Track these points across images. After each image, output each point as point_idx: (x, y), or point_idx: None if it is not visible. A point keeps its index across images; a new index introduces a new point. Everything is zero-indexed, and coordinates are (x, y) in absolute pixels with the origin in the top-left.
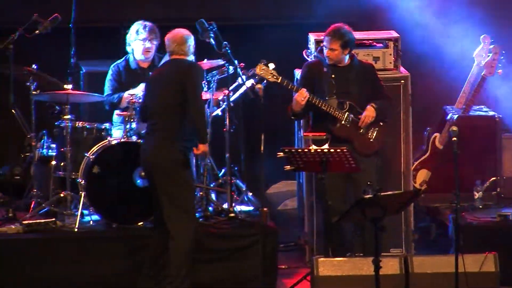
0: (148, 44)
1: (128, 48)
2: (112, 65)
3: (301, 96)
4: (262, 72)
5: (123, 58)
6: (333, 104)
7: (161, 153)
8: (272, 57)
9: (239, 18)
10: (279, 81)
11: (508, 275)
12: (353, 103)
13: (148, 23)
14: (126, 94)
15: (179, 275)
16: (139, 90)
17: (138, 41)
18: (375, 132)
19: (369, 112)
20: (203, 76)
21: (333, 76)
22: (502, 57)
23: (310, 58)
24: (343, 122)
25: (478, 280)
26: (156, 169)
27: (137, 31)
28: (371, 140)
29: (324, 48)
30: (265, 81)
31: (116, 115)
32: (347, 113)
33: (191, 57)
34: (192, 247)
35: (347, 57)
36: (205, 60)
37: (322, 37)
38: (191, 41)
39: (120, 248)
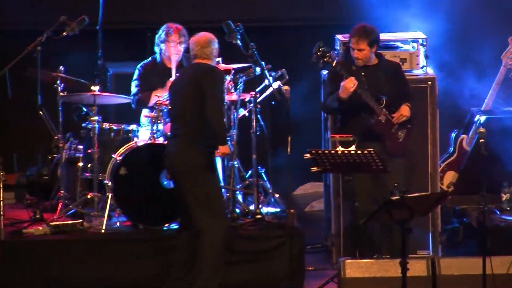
0: (176, 47)
1: (156, 49)
2: (139, 65)
3: (351, 82)
4: (319, 53)
5: (150, 58)
6: (370, 98)
7: (185, 156)
8: (298, 58)
9: (265, 19)
10: (333, 64)
11: None
12: (388, 100)
13: (177, 26)
14: (153, 95)
15: (209, 272)
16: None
17: (166, 43)
18: (404, 134)
19: (405, 111)
20: (222, 80)
21: (363, 73)
22: None
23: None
24: (379, 117)
25: (506, 282)
26: (181, 173)
27: (166, 33)
28: (400, 140)
29: (351, 50)
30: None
31: (143, 116)
32: (384, 108)
33: (215, 61)
34: (224, 246)
35: (373, 56)
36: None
37: (348, 38)
38: (215, 45)
39: (147, 249)
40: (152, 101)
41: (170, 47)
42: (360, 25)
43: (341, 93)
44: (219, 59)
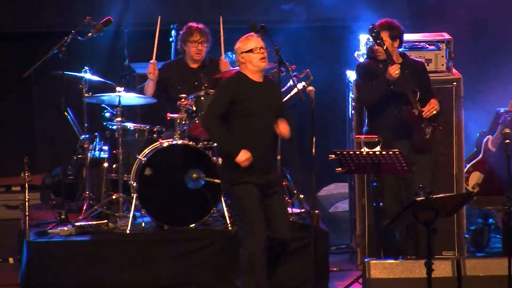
0: (199, 47)
1: (180, 49)
2: (162, 65)
3: (396, 68)
4: (373, 35)
5: (174, 59)
6: (407, 86)
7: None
8: (322, 58)
9: (289, 20)
10: (384, 48)
11: None
12: (421, 94)
13: (200, 25)
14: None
15: (241, 281)
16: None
17: (189, 43)
18: (431, 131)
19: (434, 105)
20: (226, 89)
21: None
22: None
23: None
24: (413, 110)
25: None
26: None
27: (189, 33)
28: (427, 137)
29: (373, 44)
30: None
31: (168, 117)
32: (417, 102)
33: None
34: (255, 257)
35: (397, 54)
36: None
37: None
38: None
39: (172, 250)
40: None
41: (191, 47)
42: (385, 19)
43: (388, 75)
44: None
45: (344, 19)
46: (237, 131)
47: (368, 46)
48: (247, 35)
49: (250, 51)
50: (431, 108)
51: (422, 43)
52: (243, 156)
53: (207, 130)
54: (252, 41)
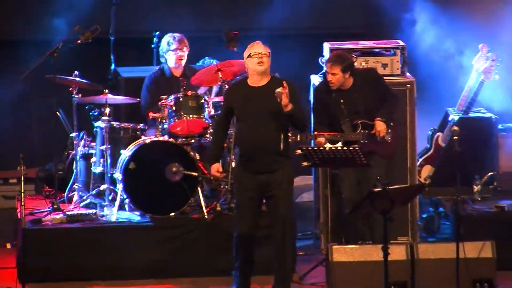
0: (179, 53)
1: (162, 59)
2: (148, 75)
3: (320, 142)
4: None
5: (158, 68)
6: (348, 128)
7: None
8: (291, 63)
9: (262, 28)
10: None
11: (505, 261)
12: (364, 121)
13: (177, 34)
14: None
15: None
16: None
17: (170, 52)
18: (390, 134)
19: (380, 127)
20: (225, 98)
21: (341, 101)
22: (498, 64)
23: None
24: (362, 141)
25: (477, 266)
26: None
27: (168, 43)
28: (389, 141)
29: (326, 73)
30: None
31: (150, 116)
32: (360, 133)
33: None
34: (238, 242)
35: (349, 80)
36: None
37: (336, 46)
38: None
39: (154, 236)
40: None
41: (173, 55)
42: (337, 52)
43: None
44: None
45: (310, 28)
46: (237, 133)
47: (323, 72)
48: (252, 42)
49: (249, 56)
50: (379, 133)
51: (378, 49)
52: (213, 169)
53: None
54: (252, 47)
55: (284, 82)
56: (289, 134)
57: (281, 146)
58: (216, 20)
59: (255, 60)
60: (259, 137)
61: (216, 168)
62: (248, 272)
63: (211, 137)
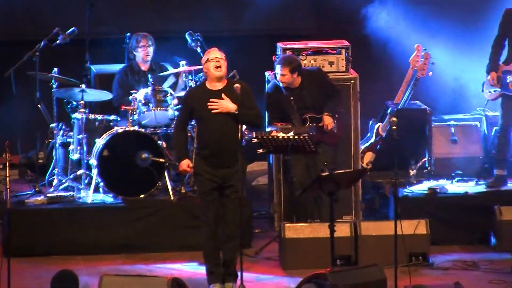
0: (146, 50)
1: (131, 55)
2: (119, 70)
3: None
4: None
5: (128, 64)
6: (298, 122)
7: None
8: (248, 61)
9: (222, 30)
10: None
11: (437, 236)
12: (312, 114)
13: (144, 33)
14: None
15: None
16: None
17: (138, 48)
18: (336, 124)
19: (328, 121)
20: (184, 101)
21: (291, 98)
22: (432, 62)
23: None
24: (310, 134)
25: (412, 241)
26: None
27: (136, 40)
28: (335, 131)
29: (276, 74)
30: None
31: (122, 109)
32: (309, 126)
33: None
34: (204, 229)
35: (297, 79)
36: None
37: (288, 46)
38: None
39: (126, 216)
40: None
41: (141, 52)
42: (285, 55)
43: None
44: (184, 62)
45: (264, 30)
46: (197, 132)
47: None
48: (209, 48)
49: (207, 60)
50: (327, 126)
51: (326, 49)
52: (182, 166)
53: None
54: (210, 52)
55: (237, 85)
56: (245, 132)
57: (239, 144)
58: (181, 22)
59: (213, 64)
60: (219, 137)
61: (186, 164)
62: (217, 253)
63: (173, 139)
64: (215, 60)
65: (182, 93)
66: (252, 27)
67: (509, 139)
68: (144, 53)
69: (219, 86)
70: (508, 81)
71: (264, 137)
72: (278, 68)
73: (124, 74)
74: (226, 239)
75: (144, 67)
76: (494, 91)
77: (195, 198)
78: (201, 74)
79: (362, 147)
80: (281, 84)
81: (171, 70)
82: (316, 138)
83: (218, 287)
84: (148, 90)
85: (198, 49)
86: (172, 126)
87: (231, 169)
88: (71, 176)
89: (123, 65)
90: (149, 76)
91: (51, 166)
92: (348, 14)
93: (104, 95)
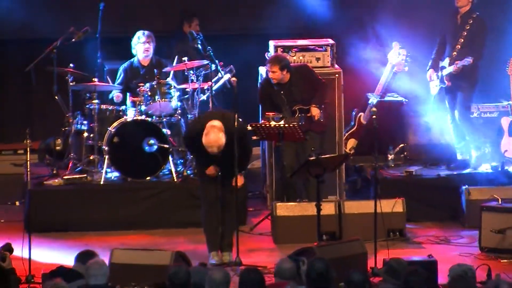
0: (146, 46)
1: (133, 51)
2: (121, 66)
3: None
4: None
5: (130, 60)
6: (288, 113)
7: None
8: (243, 58)
9: (219, 29)
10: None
11: (412, 214)
12: (301, 106)
13: (146, 31)
14: (115, 93)
15: None
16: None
17: (139, 44)
18: (322, 114)
19: (315, 112)
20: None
21: (282, 92)
22: (408, 58)
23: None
24: (301, 124)
25: (390, 218)
26: None
27: (138, 37)
28: (322, 120)
29: (267, 71)
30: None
31: (130, 100)
32: (298, 117)
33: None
34: (204, 211)
35: (287, 75)
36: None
37: (279, 43)
38: None
39: (133, 196)
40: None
41: (141, 47)
42: (275, 54)
43: None
44: (186, 58)
45: (258, 29)
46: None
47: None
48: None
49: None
50: (315, 116)
51: (313, 46)
52: (210, 170)
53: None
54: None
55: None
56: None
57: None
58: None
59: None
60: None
61: (213, 168)
62: (216, 227)
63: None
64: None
65: (183, 86)
66: (248, 26)
67: (459, 125)
68: (144, 49)
69: None
70: (443, 74)
71: (258, 125)
72: (269, 67)
73: (127, 66)
74: (225, 214)
75: (144, 62)
76: (435, 86)
77: (196, 180)
78: (201, 68)
79: (346, 134)
80: (272, 81)
81: (171, 67)
82: (305, 127)
83: (216, 254)
84: (154, 83)
85: (199, 46)
86: (175, 115)
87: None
88: (85, 161)
89: (125, 63)
90: (155, 71)
91: (67, 151)
92: (334, 15)
93: (114, 88)
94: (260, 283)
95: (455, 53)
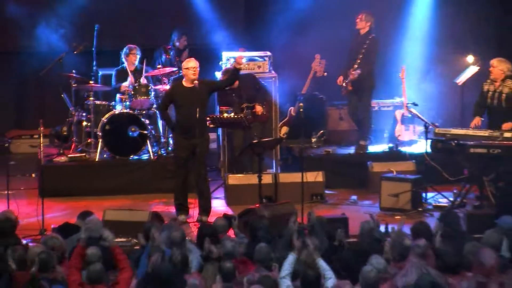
0: (134, 56)
1: (124, 60)
2: (114, 71)
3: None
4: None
5: (120, 66)
6: (238, 110)
7: None
8: (203, 64)
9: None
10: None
11: (329, 183)
12: (247, 104)
13: (132, 45)
14: (123, 84)
15: None
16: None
17: (126, 56)
18: (264, 109)
19: (258, 108)
20: (167, 93)
21: (233, 94)
22: (325, 66)
23: (224, 65)
24: (247, 117)
25: (313, 186)
26: None
27: (126, 50)
28: (264, 113)
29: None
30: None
31: (118, 97)
32: (247, 113)
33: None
34: (176, 182)
35: (236, 82)
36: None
37: (228, 55)
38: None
39: (121, 170)
40: (123, 88)
41: (130, 58)
42: (226, 67)
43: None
44: (160, 65)
45: (211, 43)
46: (177, 116)
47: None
48: (189, 58)
49: (187, 68)
50: (259, 112)
51: (255, 57)
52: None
53: (159, 115)
54: (188, 62)
55: (195, 82)
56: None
57: (206, 123)
58: (165, 36)
59: (191, 72)
60: (193, 119)
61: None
62: (185, 196)
63: (163, 118)
64: (193, 69)
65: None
66: (207, 42)
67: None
68: (133, 59)
69: (191, 84)
70: (347, 81)
71: (215, 116)
72: (222, 76)
73: (118, 72)
74: (199, 178)
75: (131, 68)
76: (344, 88)
77: (168, 158)
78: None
79: (280, 123)
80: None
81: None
82: (251, 120)
83: (183, 217)
84: (136, 84)
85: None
86: (152, 109)
87: (198, 139)
88: (84, 143)
89: (118, 67)
90: (137, 74)
91: (71, 136)
92: (274, 30)
93: (106, 88)
94: (214, 234)
95: (355, 65)
